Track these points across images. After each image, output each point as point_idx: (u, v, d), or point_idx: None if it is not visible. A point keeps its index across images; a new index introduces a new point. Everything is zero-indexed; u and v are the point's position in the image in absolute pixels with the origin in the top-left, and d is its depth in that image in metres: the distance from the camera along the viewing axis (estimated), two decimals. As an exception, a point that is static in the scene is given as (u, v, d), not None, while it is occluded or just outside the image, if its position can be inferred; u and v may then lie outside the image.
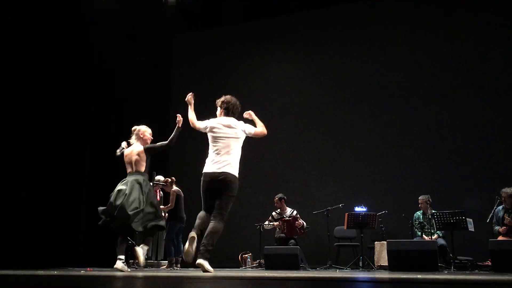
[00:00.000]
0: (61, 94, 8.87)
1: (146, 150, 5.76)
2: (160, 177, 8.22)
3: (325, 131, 9.85)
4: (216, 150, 5.18)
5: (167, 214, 7.97)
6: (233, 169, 5.12)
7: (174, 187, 8.09)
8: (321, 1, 10.07)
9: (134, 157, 5.75)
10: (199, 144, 10.11)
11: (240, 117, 5.47)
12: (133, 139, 5.91)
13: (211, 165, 5.13)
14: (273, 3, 10.12)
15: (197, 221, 5.15)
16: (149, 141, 5.91)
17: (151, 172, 5.97)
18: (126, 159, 5.80)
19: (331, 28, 10.20)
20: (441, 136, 9.05)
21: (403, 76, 9.49)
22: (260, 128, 5.39)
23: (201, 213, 5.17)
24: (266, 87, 10.22)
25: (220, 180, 5.04)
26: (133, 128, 5.97)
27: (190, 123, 5.45)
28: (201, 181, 5.18)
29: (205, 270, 4.89)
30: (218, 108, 5.49)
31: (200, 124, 5.37)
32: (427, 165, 9.00)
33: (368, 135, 9.51)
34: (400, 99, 9.45)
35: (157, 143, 5.87)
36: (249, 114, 5.52)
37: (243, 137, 5.30)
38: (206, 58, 11.04)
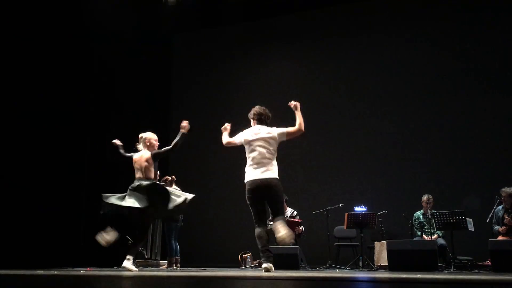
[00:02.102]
0: (61, 94, 8.86)
1: (153, 156, 5.93)
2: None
3: (325, 131, 9.84)
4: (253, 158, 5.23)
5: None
6: (274, 174, 5.18)
7: (173, 186, 8.09)
8: (321, 1, 10.07)
9: (144, 164, 5.91)
10: (199, 144, 10.16)
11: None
12: (140, 146, 6.08)
13: (253, 172, 5.17)
14: (273, 3, 10.12)
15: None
16: (156, 147, 6.10)
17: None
18: (135, 165, 5.97)
19: (331, 28, 10.20)
20: (441, 136, 9.05)
21: (404, 77, 9.49)
22: (294, 127, 5.44)
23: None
24: (266, 87, 10.21)
25: (264, 186, 5.11)
26: (139, 136, 6.13)
27: (225, 144, 5.47)
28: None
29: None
30: (251, 121, 5.48)
31: (235, 139, 5.41)
32: (427, 165, 9.00)
33: (368, 135, 9.51)
34: (401, 100, 9.45)
35: (163, 149, 6.03)
36: (294, 105, 5.54)
37: (274, 142, 5.31)
38: (206, 58, 11.04)
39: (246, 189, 5.18)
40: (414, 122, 9.28)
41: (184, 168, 10.35)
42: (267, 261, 4.94)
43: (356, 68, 9.85)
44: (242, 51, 10.80)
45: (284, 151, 10.03)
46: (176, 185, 8.20)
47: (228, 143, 5.44)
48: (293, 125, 5.44)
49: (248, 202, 5.19)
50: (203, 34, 11.19)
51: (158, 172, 8.24)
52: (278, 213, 5.16)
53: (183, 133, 5.91)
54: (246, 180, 5.21)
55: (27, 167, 8.26)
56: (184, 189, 8.31)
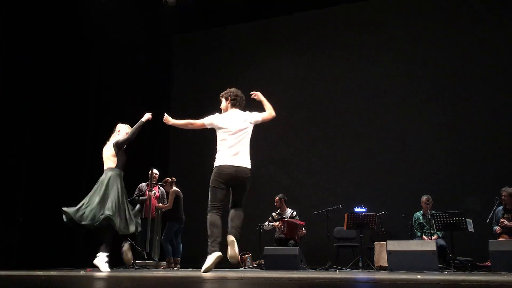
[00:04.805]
0: (60, 95, 8.86)
1: (114, 145, 5.84)
2: (155, 171, 8.16)
3: (325, 132, 9.84)
4: (229, 144, 5.14)
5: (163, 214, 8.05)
6: (248, 162, 5.16)
7: (174, 188, 8.07)
8: (321, 2, 10.07)
9: (104, 153, 5.88)
10: (199, 144, 10.15)
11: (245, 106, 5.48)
12: (112, 137, 6.05)
13: (227, 159, 5.08)
14: (273, 4, 10.12)
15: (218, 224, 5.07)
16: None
17: (124, 167, 5.97)
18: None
19: (331, 28, 10.20)
20: (441, 137, 9.05)
21: (404, 77, 9.50)
22: (268, 112, 5.41)
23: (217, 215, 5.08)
24: (266, 87, 10.12)
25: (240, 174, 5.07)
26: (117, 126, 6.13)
27: (188, 126, 5.40)
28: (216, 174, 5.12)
29: (233, 251, 4.87)
30: (223, 101, 5.42)
31: (204, 121, 5.30)
32: (427, 165, 9.00)
33: (368, 135, 9.51)
34: (401, 100, 9.45)
35: (122, 137, 5.90)
36: (256, 94, 5.53)
37: (251, 128, 5.30)
38: (206, 58, 11.04)
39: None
40: (414, 123, 9.28)
41: (184, 168, 10.35)
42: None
43: (356, 68, 9.85)
44: (242, 51, 10.80)
45: (283, 151, 10.10)
46: (177, 186, 8.18)
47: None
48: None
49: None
50: (203, 34, 11.18)
51: (157, 171, 8.23)
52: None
53: (141, 121, 5.88)
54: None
55: (26, 168, 8.26)
56: (184, 188, 8.34)
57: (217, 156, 5.16)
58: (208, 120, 5.28)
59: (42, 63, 8.57)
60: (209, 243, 4.94)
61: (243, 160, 5.12)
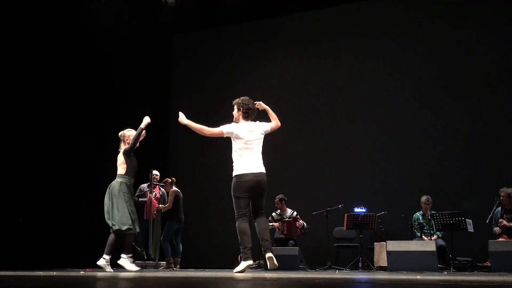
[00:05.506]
0: (61, 95, 8.87)
1: (123, 153, 6.08)
2: (155, 172, 8.16)
3: (325, 132, 9.84)
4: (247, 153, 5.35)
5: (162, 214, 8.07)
6: (263, 168, 5.43)
7: (174, 188, 8.07)
8: (320, 2, 10.07)
9: (117, 160, 6.11)
10: (199, 144, 10.16)
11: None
12: (122, 145, 6.19)
13: (246, 167, 5.29)
14: (273, 4, 10.12)
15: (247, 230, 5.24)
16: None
17: (135, 171, 6.18)
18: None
19: (331, 28, 10.20)
20: (441, 137, 9.05)
21: (402, 77, 9.49)
22: (274, 122, 5.62)
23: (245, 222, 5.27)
24: (265, 87, 10.20)
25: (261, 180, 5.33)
26: (119, 134, 6.23)
27: (201, 132, 5.41)
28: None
29: (273, 265, 5.08)
30: (236, 110, 5.50)
31: (223, 129, 5.38)
32: (426, 166, 9.00)
33: (368, 136, 9.51)
34: (401, 100, 9.45)
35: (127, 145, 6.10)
36: (260, 104, 5.63)
37: (263, 137, 5.54)
38: (206, 58, 11.03)
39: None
40: (414, 123, 9.27)
41: (184, 168, 10.35)
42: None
43: (355, 69, 9.85)
44: (241, 52, 10.79)
45: (283, 152, 10.08)
46: (176, 186, 8.18)
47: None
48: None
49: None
50: (203, 35, 11.18)
51: (158, 172, 8.24)
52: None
53: (140, 128, 6.02)
54: None
55: (26, 169, 8.27)
56: (184, 189, 8.33)
57: (235, 165, 5.34)
58: (227, 129, 5.38)
59: (41, 63, 8.57)
60: (241, 250, 5.18)
61: (260, 166, 5.40)
